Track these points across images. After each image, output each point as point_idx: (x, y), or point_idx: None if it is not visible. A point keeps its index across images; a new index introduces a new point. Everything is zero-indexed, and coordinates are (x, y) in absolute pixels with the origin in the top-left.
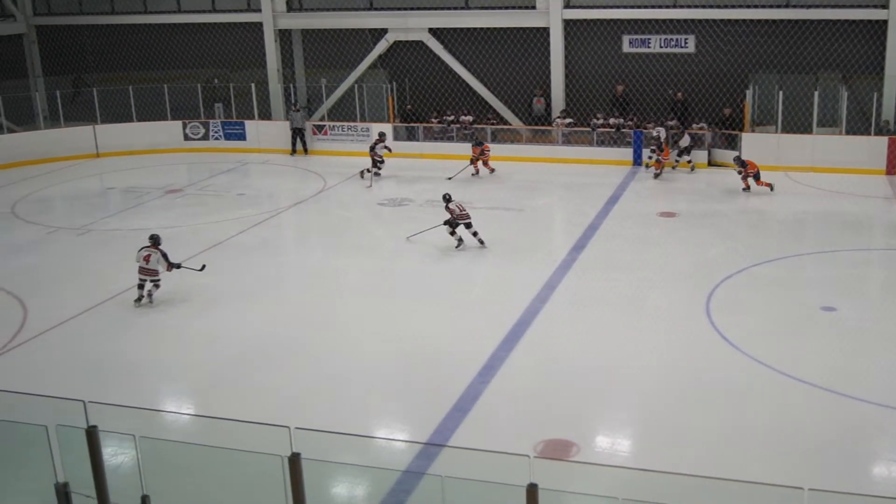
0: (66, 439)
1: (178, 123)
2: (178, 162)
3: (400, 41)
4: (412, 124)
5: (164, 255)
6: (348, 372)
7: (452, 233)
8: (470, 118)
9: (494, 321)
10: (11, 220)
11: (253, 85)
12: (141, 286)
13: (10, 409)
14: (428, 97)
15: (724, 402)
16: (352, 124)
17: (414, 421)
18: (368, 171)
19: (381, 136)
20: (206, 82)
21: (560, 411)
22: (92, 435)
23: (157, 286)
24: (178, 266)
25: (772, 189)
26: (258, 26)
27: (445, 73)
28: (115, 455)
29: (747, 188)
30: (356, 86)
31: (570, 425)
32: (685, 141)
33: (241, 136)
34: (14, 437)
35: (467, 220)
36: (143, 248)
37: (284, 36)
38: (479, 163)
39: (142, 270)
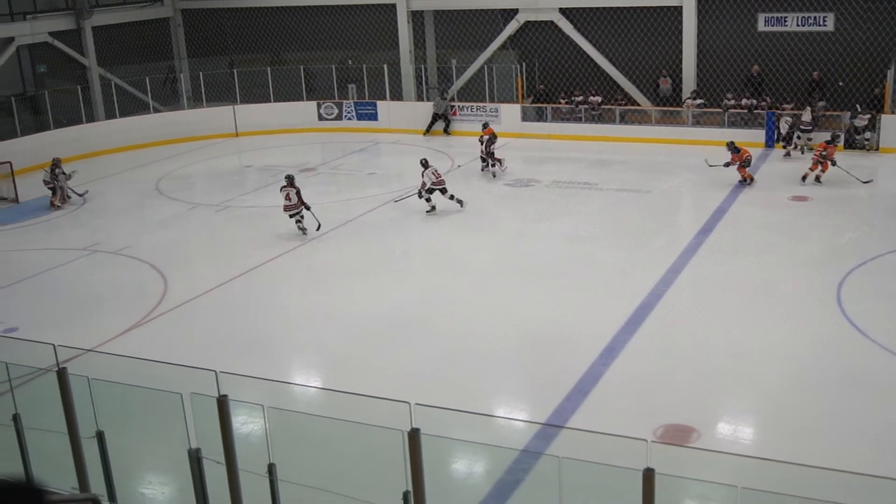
0: (199, 407)
1: (313, 104)
2: (312, 141)
3: (530, 21)
4: (541, 105)
5: (298, 192)
6: (470, 350)
7: (428, 199)
8: (598, 99)
9: (618, 304)
10: (156, 197)
11: (385, 66)
12: (298, 221)
13: (149, 376)
14: (557, 78)
15: (854, 393)
16: (481, 105)
17: (533, 401)
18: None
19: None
20: (340, 64)
21: (682, 396)
22: (223, 404)
23: (302, 217)
24: (308, 207)
25: (751, 181)
26: (392, 8)
27: (575, 54)
28: (245, 424)
29: (745, 180)
30: (486, 66)
31: (691, 411)
32: (849, 119)
33: (373, 117)
34: (152, 404)
35: (442, 187)
36: (282, 188)
37: (417, 17)
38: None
39: (286, 208)
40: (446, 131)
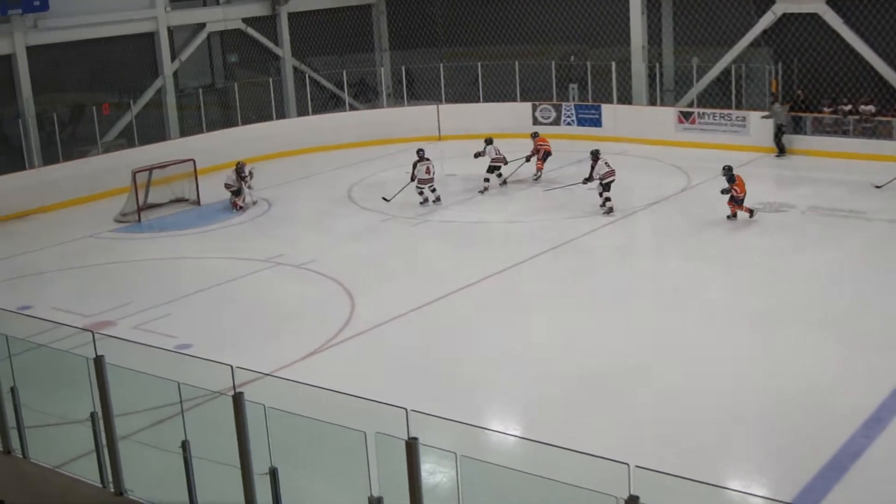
0: (384, 449)
1: (527, 105)
2: (525, 149)
3: (789, 13)
4: (799, 114)
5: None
6: (702, 407)
7: (421, 192)
8: (872, 108)
9: (889, 362)
10: (347, 205)
11: (613, 64)
12: (424, 193)
13: (330, 408)
14: (820, 82)
15: None
16: (725, 112)
17: (776, 475)
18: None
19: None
20: (561, 60)
21: None
22: (412, 448)
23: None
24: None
25: (752, 215)
26: None
27: (843, 53)
28: (434, 473)
29: (734, 215)
30: (734, 66)
31: None
32: None
33: (596, 122)
34: (332, 440)
35: (431, 185)
36: (420, 162)
37: (653, 7)
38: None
39: (425, 181)
40: (780, 150)
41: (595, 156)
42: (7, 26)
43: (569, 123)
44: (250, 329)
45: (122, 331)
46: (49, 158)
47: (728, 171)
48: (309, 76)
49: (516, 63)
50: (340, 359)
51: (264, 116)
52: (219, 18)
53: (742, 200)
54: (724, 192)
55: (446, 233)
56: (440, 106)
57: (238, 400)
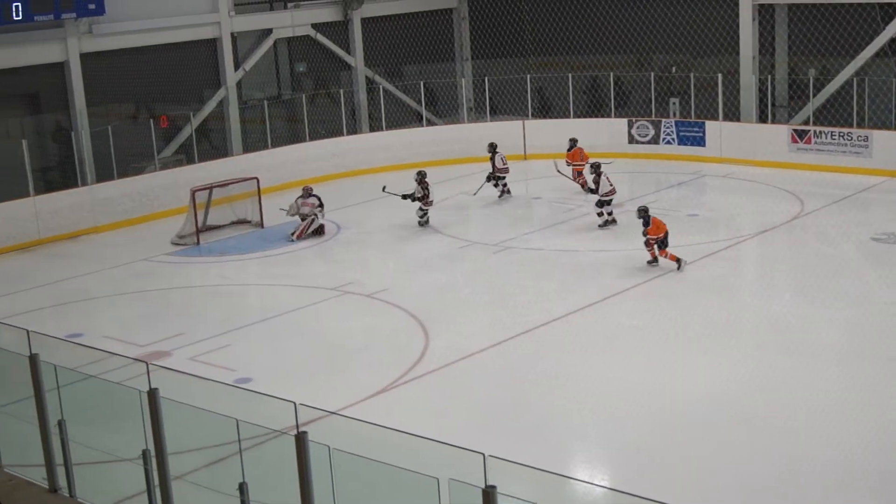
0: (458, 497)
1: (623, 122)
2: (619, 170)
3: None
4: None
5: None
6: (815, 463)
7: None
8: None
9: None
10: (421, 230)
11: (720, 76)
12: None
13: (400, 451)
14: None
15: None
16: (845, 130)
17: None
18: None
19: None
20: (661, 71)
21: None
22: (489, 496)
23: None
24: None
25: (679, 266)
26: (733, 1)
27: None
28: None
29: (654, 260)
30: (855, 79)
31: None
32: None
33: (700, 141)
34: (402, 487)
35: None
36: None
37: (765, 13)
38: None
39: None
40: None
41: (597, 170)
42: (60, 31)
43: (668, 142)
44: (315, 363)
45: (178, 362)
46: (103, 174)
47: (643, 214)
48: (383, 87)
49: (611, 75)
50: (412, 398)
51: (334, 131)
52: (286, 24)
53: (661, 242)
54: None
55: (530, 261)
56: (526, 121)
57: (301, 440)
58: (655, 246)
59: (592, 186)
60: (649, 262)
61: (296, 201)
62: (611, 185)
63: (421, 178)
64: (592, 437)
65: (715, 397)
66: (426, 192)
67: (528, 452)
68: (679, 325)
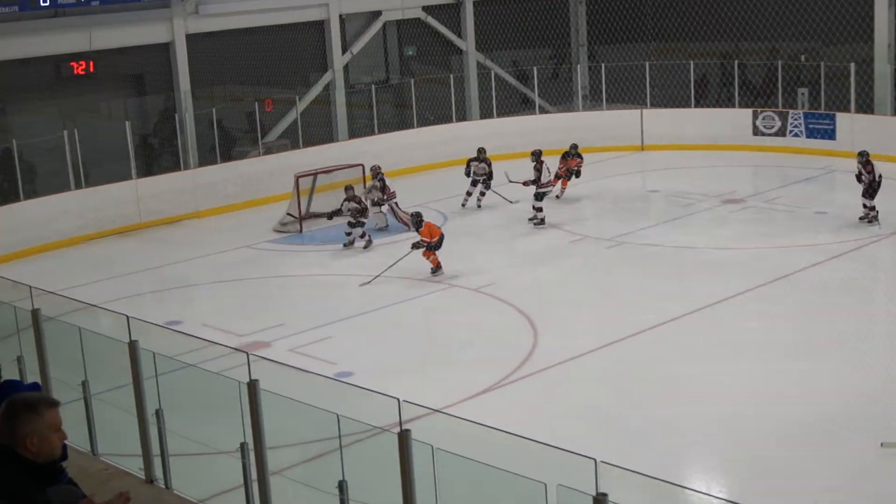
0: None
1: (747, 112)
2: (742, 163)
3: None
4: None
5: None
6: None
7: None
8: None
9: None
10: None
11: (852, 65)
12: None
13: (505, 454)
14: None
15: None
16: None
17: None
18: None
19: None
20: (789, 60)
21: None
22: None
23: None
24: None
25: (435, 272)
26: None
27: None
28: None
29: (438, 268)
30: None
31: None
32: None
33: (830, 134)
34: (507, 490)
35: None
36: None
37: None
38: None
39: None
40: None
41: (538, 157)
42: (166, 12)
43: (796, 135)
44: (418, 358)
45: (277, 353)
46: (205, 158)
47: (418, 218)
48: (495, 73)
49: (735, 63)
50: (519, 398)
51: (443, 118)
52: (396, 6)
53: (435, 246)
54: (414, 246)
55: (645, 258)
56: (644, 111)
57: (404, 438)
58: (427, 249)
59: (533, 179)
60: (433, 272)
61: (368, 191)
62: (550, 174)
63: (535, 159)
64: (708, 445)
65: (842, 409)
66: (539, 174)
67: (639, 459)
68: (804, 331)
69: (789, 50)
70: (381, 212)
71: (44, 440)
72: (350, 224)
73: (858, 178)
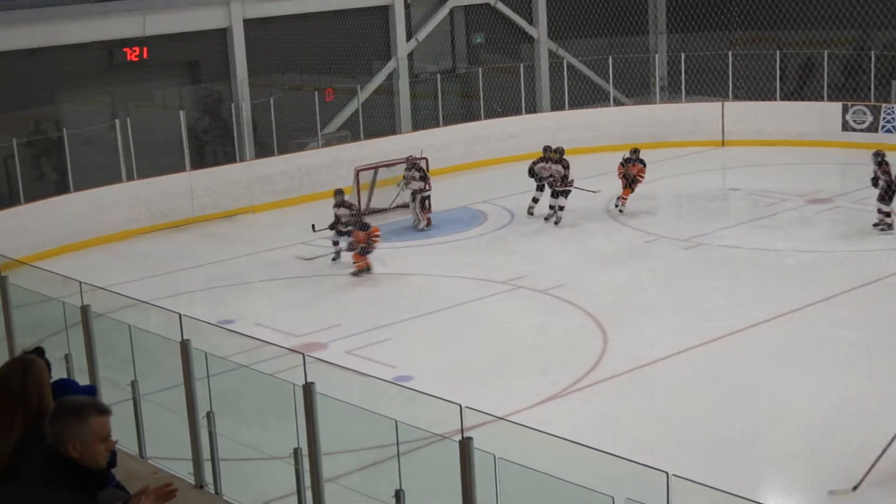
0: None
1: (837, 106)
2: (829, 160)
3: None
4: None
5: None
6: None
7: None
8: None
9: None
10: (604, 220)
11: None
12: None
13: (571, 464)
14: None
15: None
16: None
17: None
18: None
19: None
20: (882, 49)
21: None
22: None
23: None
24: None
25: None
26: None
27: None
28: None
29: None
30: None
31: None
32: None
33: None
34: (575, 503)
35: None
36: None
37: None
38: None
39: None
40: None
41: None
42: None
43: (889, 130)
44: (481, 362)
45: (334, 355)
46: (262, 150)
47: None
48: (567, 62)
49: (825, 53)
50: (587, 406)
51: (512, 109)
52: None
53: (365, 251)
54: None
55: (724, 260)
56: (725, 103)
57: (466, 446)
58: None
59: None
60: (354, 274)
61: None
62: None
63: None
64: (789, 461)
65: None
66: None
67: (714, 473)
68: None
69: (883, 39)
70: (416, 204)
71: (87, 447)
72: (339, 233)
73: (875, 181)
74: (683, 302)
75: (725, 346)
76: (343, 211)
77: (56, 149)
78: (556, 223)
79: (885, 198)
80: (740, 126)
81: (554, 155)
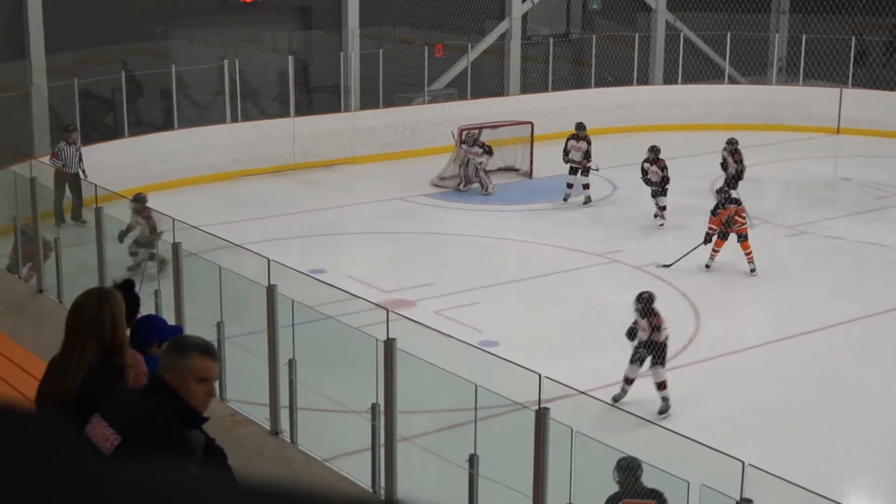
0: None
1: None
2: None
3: None
4: None
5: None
6: None
7: None
8: None
9: None
10: (707, 199)
11: None
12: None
13: (649, 445)
14: None
15: None
16: None
17: None
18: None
19: None
20: None
21: None
22: None
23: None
24: None
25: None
26: None
27: None
28: None
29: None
30: None
31: None
32: None
33: None
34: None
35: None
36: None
37: None
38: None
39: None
40: None
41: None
42: None
43: None
44: (568, 334)
45: (421, 314)
46: (367, 102)
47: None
48: (684, 35)
49: None
50: (672, 388)
51: (623, 80)
52: None
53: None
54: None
55: (827, 251)
56: (844, 90)
57: (542, 417)
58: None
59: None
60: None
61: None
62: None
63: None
64: (874, 460)
65: None
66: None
67: (793, 467)
68: None
69: None
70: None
71: (182, 383)
72: (137, 244)
73: (723, 166)
74: (780, 290)
75: (819, 338)
76: (141, 220)
77: (162, 86)
78: (660, 226)
79: (732, 184)
80: (857, 114)
81: (580, 133)
